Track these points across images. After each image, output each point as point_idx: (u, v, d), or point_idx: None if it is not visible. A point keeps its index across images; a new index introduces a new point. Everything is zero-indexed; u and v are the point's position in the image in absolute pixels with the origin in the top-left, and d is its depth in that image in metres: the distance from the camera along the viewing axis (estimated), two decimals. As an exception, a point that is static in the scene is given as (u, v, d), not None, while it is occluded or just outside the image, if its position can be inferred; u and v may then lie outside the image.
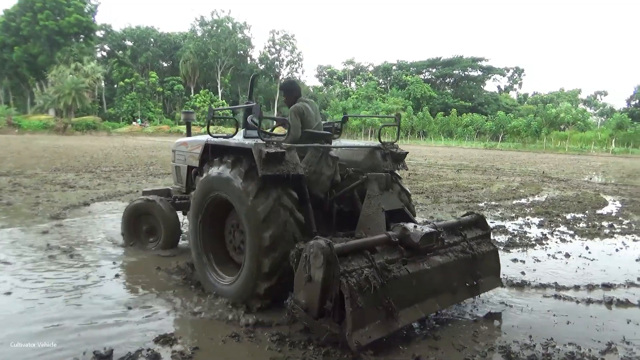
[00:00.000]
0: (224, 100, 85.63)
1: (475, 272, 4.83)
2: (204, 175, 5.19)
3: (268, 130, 5.59)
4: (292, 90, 5.96)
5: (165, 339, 4.00)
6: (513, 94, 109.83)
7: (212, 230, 5.40)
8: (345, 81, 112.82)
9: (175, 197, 7.29)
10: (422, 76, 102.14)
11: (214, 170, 5.01)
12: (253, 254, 4.50)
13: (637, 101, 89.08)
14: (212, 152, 5.21)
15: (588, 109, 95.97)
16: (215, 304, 4.82)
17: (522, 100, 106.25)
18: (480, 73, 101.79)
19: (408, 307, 4.09)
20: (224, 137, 5.21)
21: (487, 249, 5.15)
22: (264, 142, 4.51)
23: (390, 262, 4.05)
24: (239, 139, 5.09)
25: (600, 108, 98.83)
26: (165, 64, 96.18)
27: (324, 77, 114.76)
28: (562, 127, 76.43)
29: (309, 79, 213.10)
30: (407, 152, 6.18)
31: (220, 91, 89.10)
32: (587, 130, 74.52)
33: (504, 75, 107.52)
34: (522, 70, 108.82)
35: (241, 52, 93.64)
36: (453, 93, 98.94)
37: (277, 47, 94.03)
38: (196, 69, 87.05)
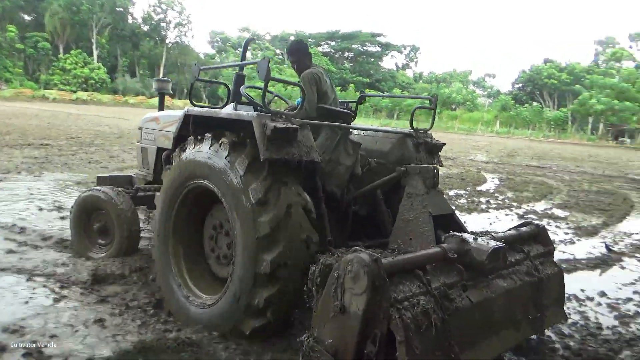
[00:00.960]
0: (100, 64, 79.49)
1: (540, 302, 3.91)
2: (182, 156, 4.12)
3: None
4: (303, 52, 4.91)
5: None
6: (409, 72, 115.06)
7: (188, 233, 4.35)
8: (239, 50, 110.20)
9: (137, 188, 6.01)
10: (320, 49, 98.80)
11: (196, 151, 3.95)
12: (246, 274, 3.50)
13: (521, 85, 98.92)
14: (194, 127, 4.16)
15: (477, 90, 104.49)
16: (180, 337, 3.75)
17: (418, 78, 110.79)
18: (378, 49, 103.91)
19: (468, 350, 3.16)
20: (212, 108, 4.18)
21: (551, 270, 4.20)
22: (269, 114, 3.56)
23: (448, 286, 3.14)
24: (230, 110, 4.14)
25: (488, 90, 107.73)
26: (27, 17, 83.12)
27: (216, 44, 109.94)
28: (453, 106, 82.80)
29: (200, 45, 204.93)
30: (445, 144, 5.23)
31: (95, 52, 79.32)
32: (475, 110, 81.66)
33: (401, 53, 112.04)
34: (418, 49, 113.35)
35: (121, 9, 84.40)
36: (352, 68, 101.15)
37: (164, 6, 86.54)
38: (66, 26, 75.92)
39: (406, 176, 4.09)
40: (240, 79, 5.40)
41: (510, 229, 4.41)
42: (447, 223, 4.05)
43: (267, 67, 3.48)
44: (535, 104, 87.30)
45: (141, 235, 5.92)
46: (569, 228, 9.80)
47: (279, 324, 3.66)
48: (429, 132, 5.10)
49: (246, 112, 3.74)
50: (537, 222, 4.59)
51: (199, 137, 4.00)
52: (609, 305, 5.60)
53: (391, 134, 5.13)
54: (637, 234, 9.96)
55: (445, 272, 3.29)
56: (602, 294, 5.97)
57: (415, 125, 4.99)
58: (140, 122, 6.44)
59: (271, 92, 5.06)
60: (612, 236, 9.54)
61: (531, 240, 4.31)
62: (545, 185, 16.50)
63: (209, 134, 3.90)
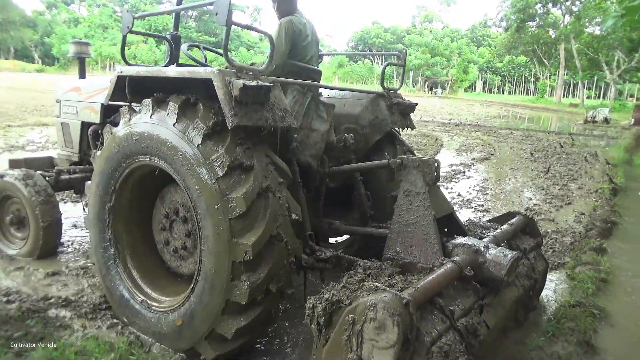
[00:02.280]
0: None
1: (531, 302, 3.66)
2: (116, 130, 3.22)
3: None
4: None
5: None
6: (253, 32, 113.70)
7: (133, 222, 3.46)
8: (72, 5, 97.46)
9: (60, 171, 4.82)
10: (162, 7, 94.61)
11: (134, 122, 3.07)
12: (220, 265, 2.71)
13: (354, 44, 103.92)
14: (131, 91, 3.20)
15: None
16: None
17: (263, 38, 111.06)
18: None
19: None
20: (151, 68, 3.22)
21: (541, 266, 3.91)
22: (234, 70, 2.77)
23: (467, 311, 2.63)
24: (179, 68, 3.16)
25: (327, 48, 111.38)
26: None
27: (44, 0, 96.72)
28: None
29: (27, 0, 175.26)
30: (417, 104, 4.57)
31: None
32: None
33: (244, 12, 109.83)
34: (261, 9, 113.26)
35: None
36: (196, 27, 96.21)
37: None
38: None
39: (402, 169, 3.17)
40: (176, 39, 4.48)
41: (496, 220, 4.14)
42: (446, 222, 3.43)
43: (229, 7, 2.60)
44: (366, 61, 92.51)
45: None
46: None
47: (266, 320, 2.97)
48: (398, 91, 4.49)
49: (202, 69, 2.88)
50: (524, 213, 4.20)
51: (143, 102, 3.08)
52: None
53: (363, 94, 4.39)
54: (444, 167, 11.40)
55: (460, 291, 2.74)
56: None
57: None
58: (57, 94, 5.23)
59: (214, 51, 3.92)
60: (426, 170, 10.73)
61: (521, 232, 3.93)
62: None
63: (147, 100, 3.01)
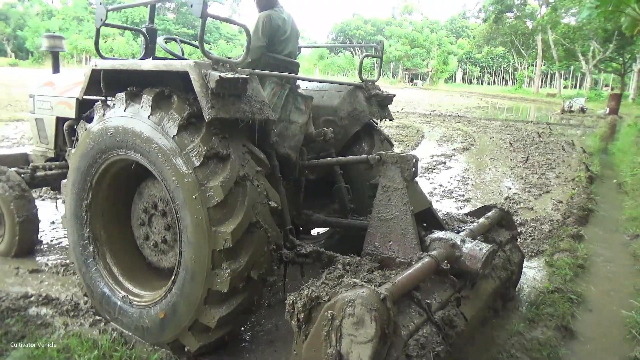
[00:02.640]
0: None
1: (508, 293, 3.75)
2: (92, 125, 3.17)
3: None
4: None
5: None
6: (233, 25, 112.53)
7: (111, 217, 3.44)
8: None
9: (35, 167, 4.79)
10: None
11: (109, 116, 3.04)
12: (200, 255, 2.72)
13: (334, 35, 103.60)
14: (106, 85, 3.17)
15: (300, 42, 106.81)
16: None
17: (242, 30, 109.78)
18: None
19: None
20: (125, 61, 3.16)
21: (517, 258, 3.98)
22: (210, 62, 2.76)
23: (444, 304, 2.69)
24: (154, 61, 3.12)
25: (307, 40, 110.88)
26: None
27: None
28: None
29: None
30: (395, 95, 4.61)
31: None
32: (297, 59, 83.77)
33: (223, 4, 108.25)
34: (240, 1, 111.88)
35: None
36: (175, 19, 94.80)
37: None
38: None
39: (380, 166, 3.18)
40: (152, 32, 4.39)
41: (473, 213, 4.22)
42: (424, 216, 3.47)
43: (204, 0, 2.58)
44: (347, 53, 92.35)
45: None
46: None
47: (249, 309, 2.97)
48: (376, 82, 4.50)
49: (178, 62, 2.84)
50: (500, 206, 4.33)
51: (117, 96, 3.04)
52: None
53: (341, 86, 4.40)
54: (425, 158, 11.50)
55: (437, 284, 2.80)
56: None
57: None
58: (32, 89, 5.12)
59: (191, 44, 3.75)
60: (408, 161, 10.81)
61: (497, 225, 4.01)
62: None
63: (121, 93, 2.99)
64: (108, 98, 3.18)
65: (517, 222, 6.39)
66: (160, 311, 2.94)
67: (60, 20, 77.94)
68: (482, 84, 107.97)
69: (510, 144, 14.71)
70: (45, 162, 5.00)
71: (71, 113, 4.30)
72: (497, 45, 72.56)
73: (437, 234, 3.12)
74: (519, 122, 23.01)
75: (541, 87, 68.75)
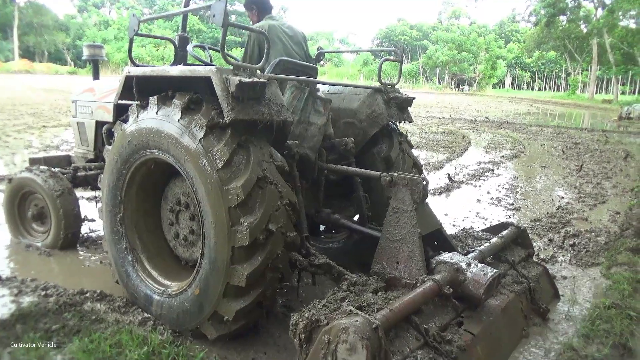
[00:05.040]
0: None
1: (539, 307, 3.74)
2: (125, 127, 3.41)
3: None
4: (261, 3, 4.36)
5: None
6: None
7: (143, 212, 3.69)
8: (103, 9, 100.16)
9: (76, 168, 5.12)
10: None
11: (142, 118, 3.26)
12: (218, 257, 2.92)
13: (379, 41, 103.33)
14: (138, 90, 3.40)
15: (342, 47, 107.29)
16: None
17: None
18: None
19: None
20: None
21: (536, 271, 3.99)
22: (231, 68, 2.92)
23: (443, 328, 2.74)
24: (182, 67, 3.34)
25: (352, 46, 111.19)
26: None
27: (76, 3, 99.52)
28: (321, 63, 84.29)
29: (59, 4, 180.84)
30: (414, 98, 4.65)
31: None
32: (341, 66, 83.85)
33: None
34: (287, 9, 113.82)
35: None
36: (211, 24, 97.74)
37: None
38: None
39: (392, 187, 3.26)
40: (183, 40, 4.63)
41: (489, 230, 4.26)
42: (434, 238, 3.53)
43: (225, 9, 2.73)
44: (391, 58, 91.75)
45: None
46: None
47: (265, 303, 3.14)
48: (396, 86, 4.59)
49: (202, 67, 3.02)
50: (517, 224, 4.28)
51: (144, 102, 3.30)
52: (450, 224, 6.33)
53: (358, 90, 4.50)
54: (472, 165, 11.24)
55: (439, 309, 2.87)
56: (446, 214, 6.72)
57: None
58: (74, 95, 5.53)
59: (230, 56, 4.13)
60: (454, 169, 10.63)
61: (512, 243, 4.02)
62: (401, 129, 17.64)
63: (154, 97, 3.20)
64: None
65: (570, 233, 6.13)
66: (188, 298, 3.18)
67: (115, 29, 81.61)
68: (532, 89, 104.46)
69: (563, 151, 14.14)
70: (86, 163, 5.37)
71: (109, 117, 4.59)
72: (549, 50, 70.08)
73: (444, 256, 3.15)
74: (572, 129, 22.08)
75: (596, 93, 65.70)
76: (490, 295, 3.08)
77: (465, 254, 3.31)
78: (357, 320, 2.26)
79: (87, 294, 3.77)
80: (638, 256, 5.18)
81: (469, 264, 3.03)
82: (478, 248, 3.58)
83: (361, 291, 2.85)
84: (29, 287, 3.91)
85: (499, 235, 3.94)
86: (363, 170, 3.96)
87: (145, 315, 3.49)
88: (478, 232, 4.18)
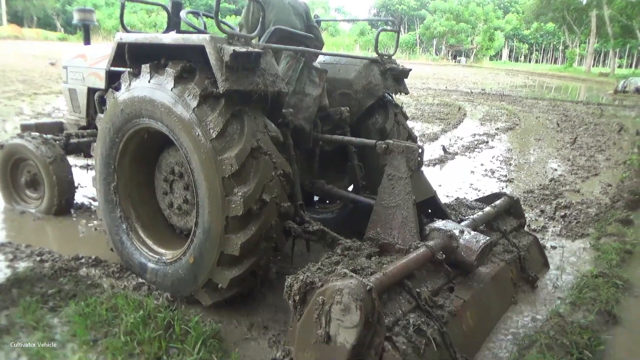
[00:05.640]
0: None
1: (528, 275, 3.82)
2: (118, 95, 3.36)
3: None
4: None
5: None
6: None
7: (136, 181, 3.66)
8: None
9: (69, 135, 5.07)
10: None
11: (135, 86, 3.22)
12: (212, 226, 2.93)
13: (376, 10, 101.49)
14: (130, 58, 3.32)
15: (338, 17, 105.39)
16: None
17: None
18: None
19: (470, 346, 2.89)
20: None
21: (527, 241, 4.07)
22: (226, 37, 2.87)
23: (435, 292, 2.82)
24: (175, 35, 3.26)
25: (349, 15, 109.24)
26: None
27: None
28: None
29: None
30: (410, 70, 4.60)
31: None
32: (337, 35, 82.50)
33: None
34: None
35: None
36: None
37: None
38: None
39: (387, 154, 3.27)
40: (177, 6, 4.53)
41: (482, 199, 4.28)
42: (428, 205, 3.56)
43: None
44: (388, 28, 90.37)
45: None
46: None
47: (259, 272, 3.18)
48: (393, 57, 4.50)
49: (196, 36, 2.96)
50: (510, 194, 4.32)
51: (136, 70, 3.25)
52: (444, 195, 6.37)
53: (355, 61, 4.44)
54: (467, 137, 11.25)
55: (432, 273, 2.92)
56: (440, 185, 6.76)
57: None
58: (65, 60, 5.42)
59: (224, 23, 3.62)
60: (448, 140, 10.63)
61: (504, 213, 4.09)
62: (397, 101, 17.56)
63: (146, 65, 3.14)
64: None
65: (562, 204, 6.19)
66: (183, 266, 3.21)
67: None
68: (529, 61, 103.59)
69: (558, 124, 14.15)
70: (78, 130, 5.32)
71: (101, 84, 4.55)
72: (547, 21, 69.15)
73: (438, 223, 3.19)
74: (568, 102, 22.04)
75: (593, 66, 65.35)
76: (481, 262, 3.12)
77: (459, 222, 3.36)
78: (351, 282, 2.30)
79: (82, 260, 3.80)
80: (627, 227, 5.26)
81: (462, 231, 3.07)
82: (471, 216, 3.63)
83: (355, 256, 2.87)
84: (24, 252, 3.92)
85: (492, 204, 3.99)
86: (358, 138, 3.94)
87: (140, 280, 3.53)
88: (471, 201, 4.23)
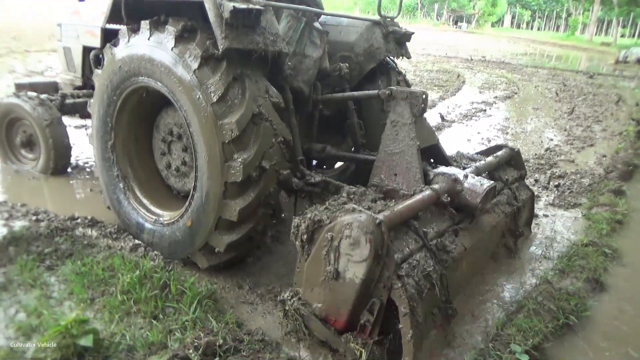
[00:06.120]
0: None
1: (516, 230, 3.86)
2: (115, 52, 3.27)
3: None
4: None
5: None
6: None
7: (134, 140, 3.61)
8: None
9: (64, 95, 4.98)
10: None
11: (133, 43, 3.12)
12: (210, 191, 2.92)
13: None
14: (127, 14, 3.16)
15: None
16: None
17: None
18: None
19: (459, 294, 2.98)
20: None
21: (525, 195, 4.07)
22: None
23: (441, 234, 2.84)
24: None
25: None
26: None
27: None
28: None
29: None
30: (413, 33, 4.46)
31: None
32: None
33: None
34: None
35: None
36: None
37: None
38: None
39: (390, 100, 3.20)
40: None
41: (483, 152, 4.23)
42: (431, 153, 3.53)
43: None
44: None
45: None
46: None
47: (256, 237, 3.19)
48: (395, 20, 4.38)
49: None
50: (511, 145, 4.28)
51: (135, 26, 3.14)
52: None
53: (356, 22, 4.31)
54: (465, 105, 11.17)
55: (437, 216, 2.94)
56: (435, 153, 6.76)
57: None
58: (60, 17, 5.26)
59: None
60: (446, 108, 10.56)
61: (506, 164, 4.09)
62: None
63: (146, 22, 3.03)
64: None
65: (556, 174, 6.22)
66: (180, 228, 3.21)
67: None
68: (531, 29, 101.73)
69: (557, 94, 14.04)
70: (73, 90, 5.22)
71: (96, 42, 4.41)
72: (552, -13, 67.50)
73: (442, 168, 3.19)
74: (568, 72, 21.81)
75: (596, 34, 64.23)
76: (486, 205, 3.12)
77: (462, 169, 3.34)
78: (360, 216, 2.28)
79: (78, 220, 3.81)
80: (619, 198, 5.32)
81: (466, 176, 3.08)
82: (474, 164, 3.62)
83: (360, 200, 2.86)
84: (20, 211, 3.93)
85: (494, 155, 3.98)
86: (360, 92, 3.85)
87: (137, 242, 3.55)
88: (472, 154, 4.21)
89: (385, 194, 3.09)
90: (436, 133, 8.02)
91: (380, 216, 2.32)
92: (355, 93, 3.86)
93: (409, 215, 2.61)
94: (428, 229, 2.74)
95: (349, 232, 2.27)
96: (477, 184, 3.01)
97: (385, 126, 3.23)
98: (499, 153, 4.01)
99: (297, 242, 2.52)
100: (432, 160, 3.55)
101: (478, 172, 3.43)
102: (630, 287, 3.62)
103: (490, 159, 3.86)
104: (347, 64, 4.04)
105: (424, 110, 3.19)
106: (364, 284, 2.29)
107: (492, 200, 3.28)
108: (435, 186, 2.94)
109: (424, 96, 3.15)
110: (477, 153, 4.25)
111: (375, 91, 3.44)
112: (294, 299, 2.58)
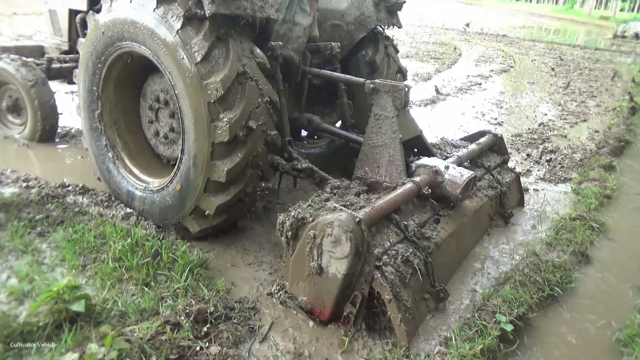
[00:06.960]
0: None
1: (505, 211, 3.97)
2: (100, 16, 3.20)
3: None
4: None
5: None
6: None
7: (121, 109, 3.57)
8: None
9: (50, 59, 4.86)
10: None
11: (116, 7, 3.07)
12: (198, 153, 2.91)
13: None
14: None
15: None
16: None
17: None
18: None
19: (446, 276, 3.08)
20: None
21: (509, 178, 4.20)
22: None
23: (422, 224, 2.95)
24: None
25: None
26: None
27: None
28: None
29: None
30: (405, 2, 4.44)
31: None
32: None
33: None
34: None
35: None
36: None
37: None
38: None
39: (374, 94, 3.28)
40: None
41: (467, 138, 4.31)
42: (414, 144, 3.59)
43: None
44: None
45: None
46: (408, 75, 10.53)
47: (246, 199, 3.18)
48: None
49: None
50: (494, 131, 4.36)
51: None
52: (434, 136, 6.38)
53: None
54: (460, 78, 11.09)
55: (418, 208, 3.06)
56: (430, 126, 6.75)
57: None
58: None
59: None
60: (442, 81, 10.48)
61: (489, 150, 4.17)
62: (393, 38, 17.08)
63: None
64: None
65: (548, 149, 6.25)
66: (170, 193, 3.21)
67: None
68: (530, 1, 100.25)
69: (553, 68, 13.97)
70: (60, 54, 5.09)
71: (83, 5, 4.30)
72: (553, -42, 66.11)
73: (423, 160, 3.27)
74: (565, 46, 21.64)
75: (595, 8, 63.41)
76: (466, 196, 3.22)
77: (444, 159, 3.41)
78: (341, 215, 2.39)
79: (69, 188, 3.80)
80: (609, 173, 5.36)
81: (446, 167, 3.16)
82: (456, 153, 3.69)
83: (344, 194, 2.94)
84: (10, 178, 3.90)
85: (477, 142, 4.04)
86: (347, 76, 3.84)
87: (128, 210, 3.55)
88: (456, 140, 4.28)
89: (369, 187, 3.18)
90: (431, 106, 8.07)
91: (361, 214, 2.44)
92: (343, 76, 3.84)
93: (390, 210, 2.71)
94: (409, 221, 2.85)
95: (331, 230, 2.39)
96: (457, 175, 3.12)
97: (369, 119, 3.28)
98: (482, 140, 4.10)
99: (282, 238, 2.63)
100: (415, 150, 3.58)
101: (460, 162, 3.52)
102: (615, 260, 3.69)
103: (472, 146, 3.94)
104: (338, 44, 4.02)
105: (406, 104, 3.26)
106: (346, 278, 2.41)
107: (472, 190, 3.40)
108: (417, 179, 3.03)
109: (406, 89, 3.20)
110: (461, 139, 4.35)
111: (362, 80, 3.46)
112: (281, 292, 2.73)
